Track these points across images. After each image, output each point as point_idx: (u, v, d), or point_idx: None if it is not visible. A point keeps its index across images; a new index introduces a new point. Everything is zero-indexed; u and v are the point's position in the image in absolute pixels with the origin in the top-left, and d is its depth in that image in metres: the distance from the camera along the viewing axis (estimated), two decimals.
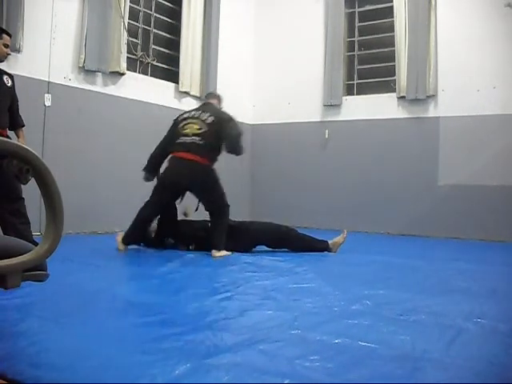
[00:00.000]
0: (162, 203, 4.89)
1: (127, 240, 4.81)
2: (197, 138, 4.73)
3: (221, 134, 4.77)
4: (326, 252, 5.03)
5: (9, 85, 4.21)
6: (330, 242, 5.10)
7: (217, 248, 4.68)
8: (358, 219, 7.80)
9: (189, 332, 2.23)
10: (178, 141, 4.78)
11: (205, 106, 5.08)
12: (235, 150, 4.83)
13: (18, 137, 4.35)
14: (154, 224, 5.23)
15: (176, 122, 4.95)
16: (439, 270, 4.32)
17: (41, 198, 1.48)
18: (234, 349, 2.01)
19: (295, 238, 5.10)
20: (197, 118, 4.83)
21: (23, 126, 4.39)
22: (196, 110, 5.02)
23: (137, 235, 4.89)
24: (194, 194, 4.91)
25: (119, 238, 4.83)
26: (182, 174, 4.74)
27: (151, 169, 5.07)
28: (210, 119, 4.80)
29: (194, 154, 4.70)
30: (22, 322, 2.34)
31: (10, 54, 4.25)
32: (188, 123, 4.82)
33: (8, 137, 3.95)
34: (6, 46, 4.15)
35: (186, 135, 4.77)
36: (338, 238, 5.12)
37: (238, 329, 2.30)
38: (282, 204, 8.39)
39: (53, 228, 1.49)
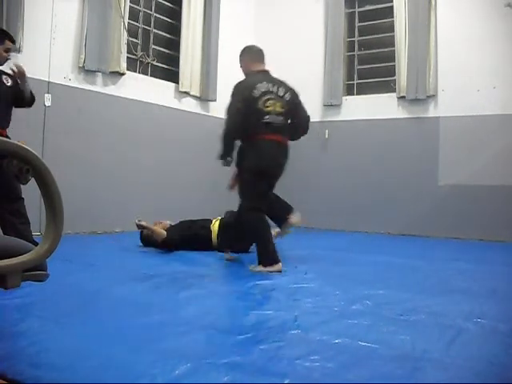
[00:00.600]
0: (265, 193, 4.21)
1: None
2: (280, 118, 4.11)
3: (295, 113, 4.25)
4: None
5: (9, 84, 4.19)
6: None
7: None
8: (358, 219, 7.80)
9: (189, 332, 2.23)
10: (264, 120, 4.03)
11: (272, 78, 4.30)
12: (305, 131, 4.39)
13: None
14: (167, 222, 5.20)
15: (253, 97, 4.04)
16: (439, 269, 4.32)
17: (41, 198, 1.48)
18: (234, 349, 2.01)
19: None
20: (276, 93, 4.13)
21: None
22: (267, 81, 4.19)
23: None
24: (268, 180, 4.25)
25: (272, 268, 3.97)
26: (281, 160, 4.20)
27: (231, 152, 4.20)
28: (288, 96, 4.20)
29: (284, 136, 4.17)
30: (22, 322, 2.34)
31: (9, 59, 4.23)
32: (268, 99, 4.06)
33: (8, 137, 3.94)
34: (8, 50, 4.14)
35: (269, 113, 4.05)
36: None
37: (238, 329, 2.30)
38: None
39: (53, 228, 1.49)
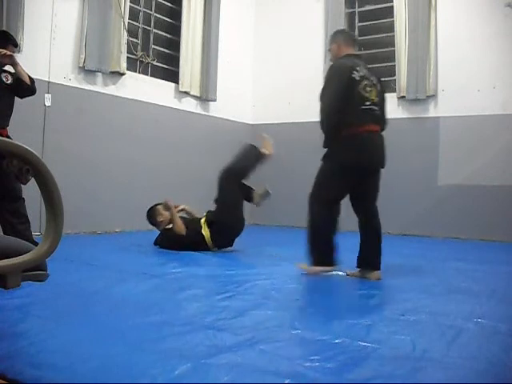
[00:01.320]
0: (347, 189, 3.89)
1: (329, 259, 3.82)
2: (376, 108, 3.76)
3: (381, 106, 3.87)
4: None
5: (8, 82, 4.18)
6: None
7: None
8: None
9: (189, 332, 2.23)
10: (363, 107, 3.67)
11: (364, 63, 3.91)
12: (384, 128, 3.94)
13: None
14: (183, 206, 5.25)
15: (354, 79, 3.66)
16: (439, 269, 4.32)
17: (41, 198, 1.48)
18: (234, 349, 2.01)
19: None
20: (371, 80, 3.78)
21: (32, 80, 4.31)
22: (363, 66, 3.83)
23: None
24: (367, 177, 3.90)
25: (314, 269, 3.77)
26: (380, 153, 3.83)
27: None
28: (379, 86, 3.86)
29: (379, 125, 3.82)
30: (22, 322, 2.34)
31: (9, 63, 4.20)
32: (366, 85, 3.71)
33: (8, 137, 3.94)
34: (10, 55, 4.11)
35: (368, 100, 3.69)
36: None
37: (238, 329, 2.30)
38: (283, 204, 8.38)
39: (53, 228, 1.49)
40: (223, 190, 5.05)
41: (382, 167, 3.91)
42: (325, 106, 3.71)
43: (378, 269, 3.78)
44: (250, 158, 5.17)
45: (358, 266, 3.85)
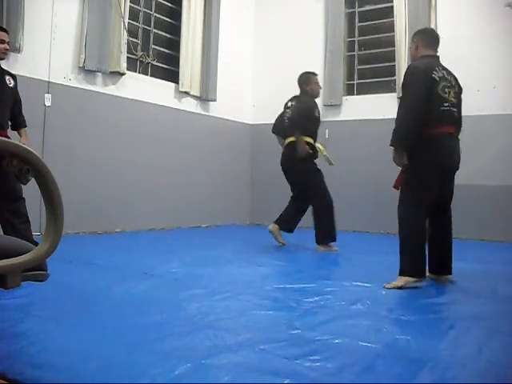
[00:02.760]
0: (434, 192, 3.67)
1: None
2: (455, 109, 3.71)
3: (458, 109, 3.82)
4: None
5: (11, 85, 4.19)
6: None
7: None
8: (357, 219, 7.80)
9: (189, 332, 2.23)
10: (443, 108, 3.61)
11: (442, 65, 3.85)
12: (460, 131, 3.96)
13: (21, 136, 4.33)
14: None
15: (434, 79, 3.61)
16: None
17: (41, 198, 1.48)
18: (234, 349, 2.01)
19: None
20: (450, 81, 3.72)
21: (25, 126, 4.38)
22: (442, 67, 3.78)
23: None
24: (445, 181, 3.78)
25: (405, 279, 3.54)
26: (457, 155, 3.78)
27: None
28: (457, 88, 3.80)
29: (457, 130, 3.81)
30: (22, 322, 2.34)
31: (8, 49, 4.17)
32: (445, 86, 3.65)
33: (8, 137, 3.94)
34: (2, 41, 4.10)
35: (446, 101, 3.63)
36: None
37: (238, 329, 2.30)
38: (282, 204, 8.38)
39: (53, 228, 1.49)
40: None
41: (458, 169, 3.84)
42: (406, 106, 3.59)
43: (450, 273, 3.77)
44: None
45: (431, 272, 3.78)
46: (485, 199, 6.90)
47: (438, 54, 3.94)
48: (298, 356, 1.95)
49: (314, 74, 5.76)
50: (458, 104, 3.75)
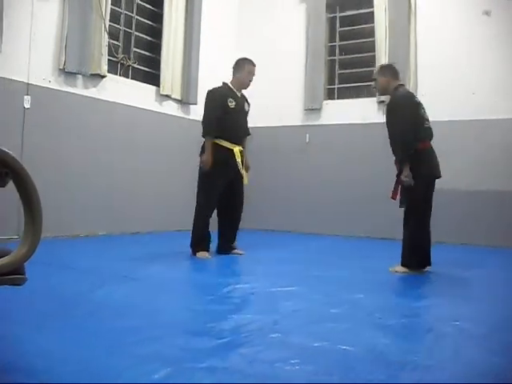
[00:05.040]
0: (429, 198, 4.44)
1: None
2: (430, 126, 4.50)
3: None
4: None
5: None
6: None
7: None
8: (338, 223, 7.83)
9: (169, 336, 2.23)
10: (426, 125, 4.44)
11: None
12: None
13: None
14: None
15: (417, 102, 4.50)
16: (418, 273, 4.34)
17: (19, 201, 1.46)
18: (214, 353, 2.01)
19: None
20: (422, 103, 4.56)
21: None
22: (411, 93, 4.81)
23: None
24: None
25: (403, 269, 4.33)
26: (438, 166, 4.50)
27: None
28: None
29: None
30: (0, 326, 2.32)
31: None
32: (422, 107, 4.50)
33: None
34: None
35: (425, 120, 4.45)
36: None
37: (218, 333, 2.30)
38: (264, 208, 8.40)
39: (31, 231, 1.47)
40: None
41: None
42: (400, 125, 4.31)
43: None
44: None
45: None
46: (460, 204, 6.98)
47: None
48: (278, 360, 1.95)
49: (252, 63, 5.25)
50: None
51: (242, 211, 5.22)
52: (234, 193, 5.12)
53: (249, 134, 5.37)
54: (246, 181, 5.16)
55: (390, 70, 4.62)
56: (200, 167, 5.00)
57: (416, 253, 4.32)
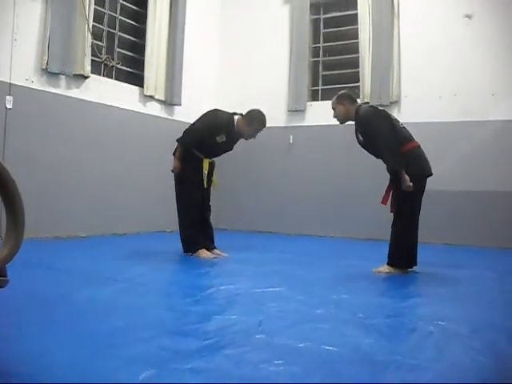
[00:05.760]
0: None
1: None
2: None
3: None
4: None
5: None
6: None
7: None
8: (323, 224, 7.86)
9: (153, 337, 2.21)
10: (401, 126, 4.51)
11: None
12: None
13: None
14: None
15: (382, 112, 4.56)
16: (402, 273, 4.37)
17: (1, 202, 1.45)
18: (199, 354, 2.01)
19: None
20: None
21: None
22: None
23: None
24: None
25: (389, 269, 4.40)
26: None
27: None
28: None
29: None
30: None
31: None
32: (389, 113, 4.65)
33: None
34: None
35: (399, 122, 4.56)
36: None
37: (203, 334, 2.30)
38: (248, 209, 8.41)
39: (13, 232, 1.46)
40: None
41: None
42: (383, 136, 4.36)
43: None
44: None
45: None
46: (445, 204, 7.03)
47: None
48: (263, 361, 1.95)
49: (263, 125, 5.12)
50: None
51: (209, 215, 5.23)
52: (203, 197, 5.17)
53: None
54: (215, 183, 5.25)
55: (346, 97, 4.65)
56: (172, 170, 5.06)
57: (403, 252, 4.37)
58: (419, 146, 4.48)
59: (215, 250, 5.08)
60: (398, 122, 4.51)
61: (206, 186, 5.07)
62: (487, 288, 3.89)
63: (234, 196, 8.58)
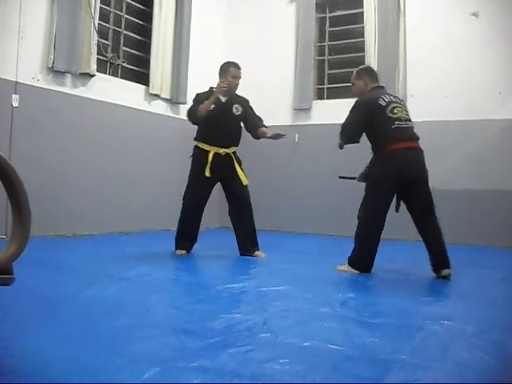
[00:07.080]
0: (389, 202, 4.23)
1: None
2: (410, 123, 4.25)
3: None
4: None
5: None
6: None
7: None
8: (328, 223, 7.84)
9: (158, 335, 2.22)
10: (395, 126, 4.12)
11: (388, 92, 4.52)
12: None
13: None
14: None
15: (379, 105, 4.18)
16: (406, 272, 4.36)
17: (7, 200, 1.45)
18: (203, 353, 2.01)
19: None
20: (397, 102, 4.28)
21: None
22: (388, 94, 4.38)
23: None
24: (410, 189, 4.21)
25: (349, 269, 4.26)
26: (416, 165, 4.19)
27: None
28: (405, 105, 4.40)
29: (416, 141, 4.23)
30: None
31: None
32: (395, 107, 4.20)
33: None
34: None
35: (400, 119, 4.16)
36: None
37: (207, 332, 2.29)
38: (253, 208, 8.39)
39: (19, 230, 1.47)
40: None
41: (422, 180, 4.23)
42: (345, 133, 4.38)
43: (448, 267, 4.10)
44: None
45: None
46: (448, 203, 7.00)
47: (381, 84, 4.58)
48: (268, 359, 1.95)
49: (237, 66, 5.11)
50: (410, 119, 4.29)
51: (248, 212, 5.16)
52: (230, 195, 5.16)
53: (236, 145, 5.21)
54: (244, 180, 5.13)
55: (367, 72, 4.49)
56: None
57: (357, 253, 4.26)
58: (411, 148, 4.16)
59: (256, 253, 4.98)
60: (396, 119, 4.13)
61: (227, 183, 5.10)
62: (493, 287, 3.88)
63: None
